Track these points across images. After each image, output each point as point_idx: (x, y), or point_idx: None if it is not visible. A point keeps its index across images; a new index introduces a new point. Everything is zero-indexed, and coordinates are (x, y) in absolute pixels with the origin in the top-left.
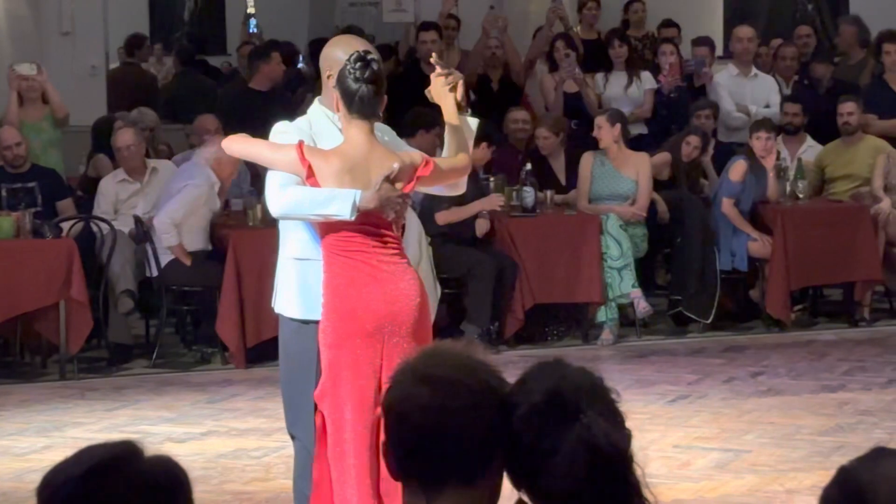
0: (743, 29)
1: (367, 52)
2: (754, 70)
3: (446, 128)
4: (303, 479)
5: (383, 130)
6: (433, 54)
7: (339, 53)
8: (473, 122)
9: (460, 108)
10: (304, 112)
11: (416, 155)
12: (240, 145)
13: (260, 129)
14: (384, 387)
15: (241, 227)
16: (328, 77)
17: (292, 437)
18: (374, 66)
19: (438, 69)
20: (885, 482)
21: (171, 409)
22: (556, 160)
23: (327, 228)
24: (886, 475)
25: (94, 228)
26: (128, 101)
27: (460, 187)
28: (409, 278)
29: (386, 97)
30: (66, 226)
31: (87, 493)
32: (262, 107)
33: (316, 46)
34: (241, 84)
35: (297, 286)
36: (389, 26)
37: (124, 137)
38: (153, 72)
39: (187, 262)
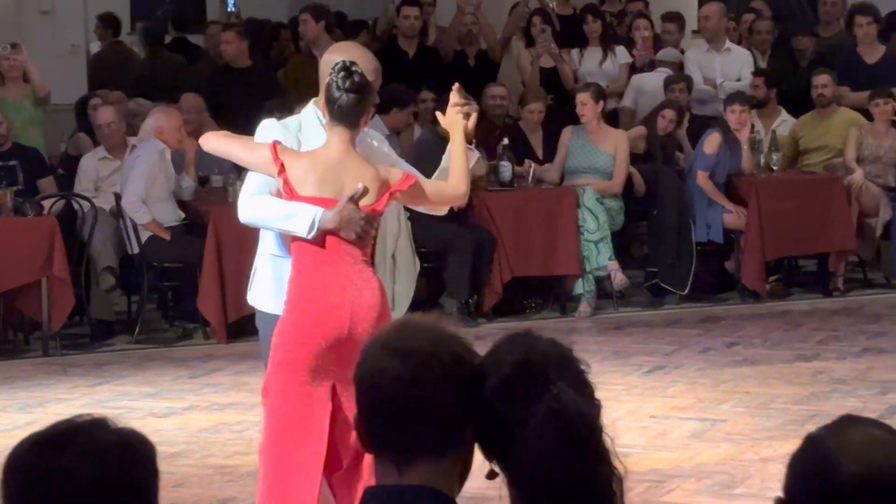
0: (708, 7)
1: (352, 63)
2: (727, 44)
3: (451, 155)
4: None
5: (375, 137)
6: (456, 84)
7: (337, 59)
8: (474, 156)
9: (468, 139)
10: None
11: (394, 171)
12: (215, 143)
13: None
14: (337, 388)
15: (222, 203)
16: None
17: None
18: (356, 77)
19: (457, 97)
20: (852, 449)
21: (153, 384)
22: (534, 135)
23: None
24: (853, 442)
25: (76, 206)
26: (112, 80)
27: (441, 210)
28: (371, 288)
29: (373, 107)
30: (47, 203)
31: (40, 459)
32: (240, 84)
33: (297, 25)
34: (221, 63)
35: (274, 282)
36: (368, 2)
37: (104, 115)
38: (136, 51)
39: (166, 236)
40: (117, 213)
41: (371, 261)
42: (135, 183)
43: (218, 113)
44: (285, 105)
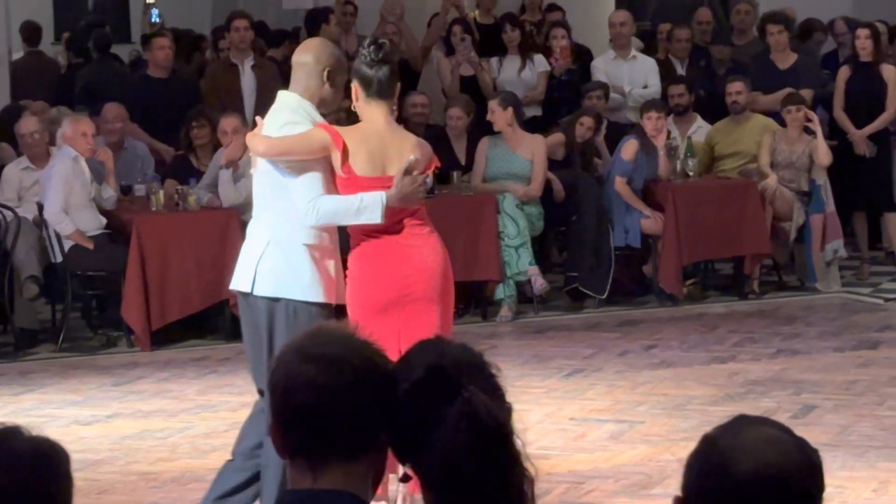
0: (617, 14)
1: (375, 38)
2: (633, 52)
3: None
4: None
5: None
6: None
7: (304, 57)
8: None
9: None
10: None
11: (427, 146)
12: (267, 145)
13: (163, 116)
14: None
15: (145, 212)
16: (326, 71)
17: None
18: (386, 48)
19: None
20: (746, 448)
21: (78, 392)
22: (459, 141)
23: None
24: (747, 441)
25: None
26: (32, 90)
27: None
28: (431, 246)
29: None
30: None
31: None
32: (162, 93)
33: (219, 35)
34: (143, 72)
35: (312, 270)
36: (289, 13)
37: (28, 125)
38: (60, 60)
39: (89, 245)
40: (40, 222)
41: (425, 218)
42: (53, 194)
43: (142, 122)
44: (203, 113)
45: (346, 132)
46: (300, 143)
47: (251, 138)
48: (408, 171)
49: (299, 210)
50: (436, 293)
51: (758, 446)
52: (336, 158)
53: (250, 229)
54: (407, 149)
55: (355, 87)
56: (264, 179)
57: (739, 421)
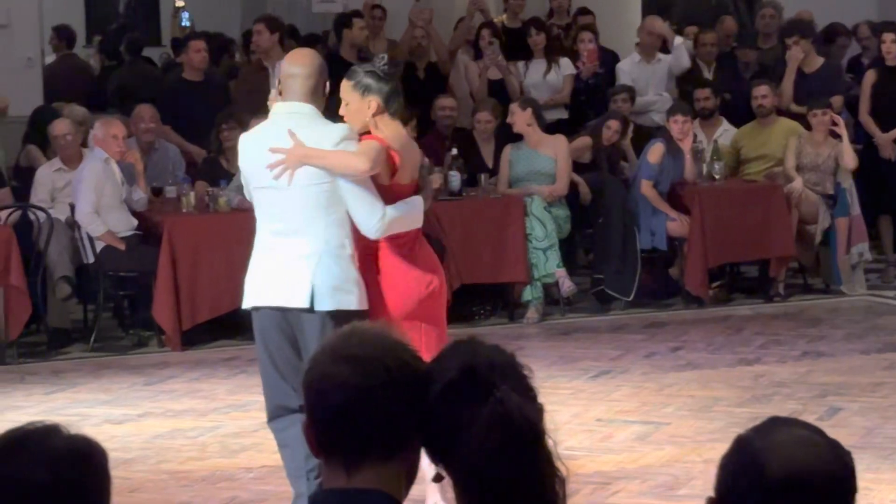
0: (651, 20)
1: (383, 55)
2: (659, 55)
3: None
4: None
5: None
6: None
7: (292, 67)
8: None
9: None
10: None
11: None
12: (369, 159)
13: (196, 118)
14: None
15: (175, 213)
16: (325, 81)
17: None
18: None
19: None
20: (779, 449)
21: (109, 391)
22: (487, 145)
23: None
24: (780, 442)
25: (32, 217)
26: (65, 93)
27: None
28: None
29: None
30: (3, 214)
31: None
32: (196, 95)
33: (248, 37)
34: (178, 75)
35: (359, 280)
36: (318, 16)
37: (61, 127)
38: (92, 63)
39: (120, 246)
40: (73, 223)
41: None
42: (84, 195)
43: (175, 124)
44: (234, 115)
45: (393, 143)
46: (379, 158)
47: (307, 151)
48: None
49: (369, 222)
50: (406, 315)
51: (791, 447)
52: (386, 169)
53: (283, 244)
54: (418, 155)
55: (376, 102)
56: (310, 192)
57: (772, 422)
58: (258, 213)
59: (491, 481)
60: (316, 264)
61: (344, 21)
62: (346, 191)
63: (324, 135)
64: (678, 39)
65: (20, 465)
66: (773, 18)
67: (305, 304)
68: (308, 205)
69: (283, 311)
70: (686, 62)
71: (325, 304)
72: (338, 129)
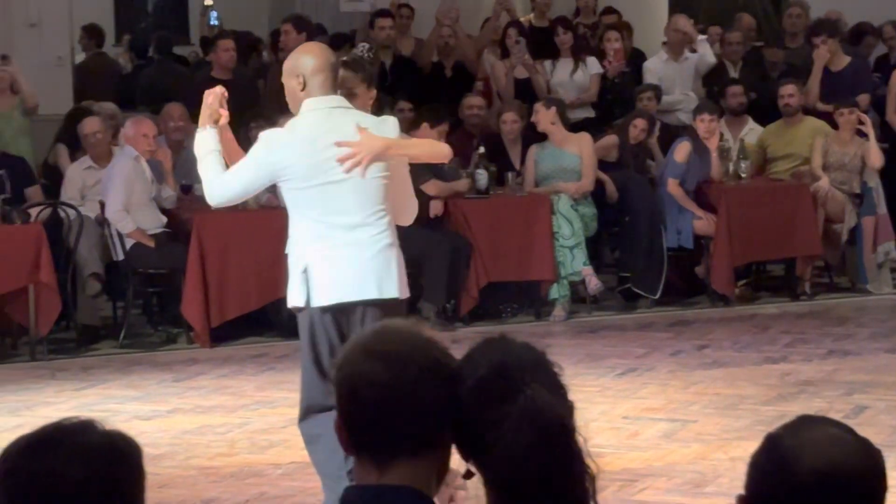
0: (678, 18)
1: (366, 45)
2: (686, 53)
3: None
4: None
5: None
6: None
7: (304, 59)
8: None
9: None
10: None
11: None
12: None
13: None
14: None
15: (204, 210)
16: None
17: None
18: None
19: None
20: (809, 447)
21: (138, 387)
22: (514, 147)
23: None
24: (810, 440)
25: (62, 214)
26: (95, 92)
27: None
28: None
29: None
30: (34, 211)
31: (29, 461)
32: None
33: (277, 37)
34: (206, 73)
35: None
36: (346, 16)
37: (91, 125)
38: (121, 62)
39: (150, 243)
40: (102, 220)
41: None
42: (114, 193)
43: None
44: (262, 114)
45: None
46: None
47: (388, 142)
48: None
49: (413, 212)
50: None
51: (821, 445)
52: None
53: (353, 238)
54: None
55: (374, 92)
56: (377, 185)
57: (803, 420)
58: (314, 210)
59: (521, 478)
60: (392, 255)
61: (371, 21)
62: (402, 181)
63: (384, 126)
64: (701, 37)
65: (56, 460)
66: (799, 18)
67: (395, 294)
68: (376, 197)
69: (354, 306)
70: (711, 59)
71: (405, 292)
72: (392, 120)
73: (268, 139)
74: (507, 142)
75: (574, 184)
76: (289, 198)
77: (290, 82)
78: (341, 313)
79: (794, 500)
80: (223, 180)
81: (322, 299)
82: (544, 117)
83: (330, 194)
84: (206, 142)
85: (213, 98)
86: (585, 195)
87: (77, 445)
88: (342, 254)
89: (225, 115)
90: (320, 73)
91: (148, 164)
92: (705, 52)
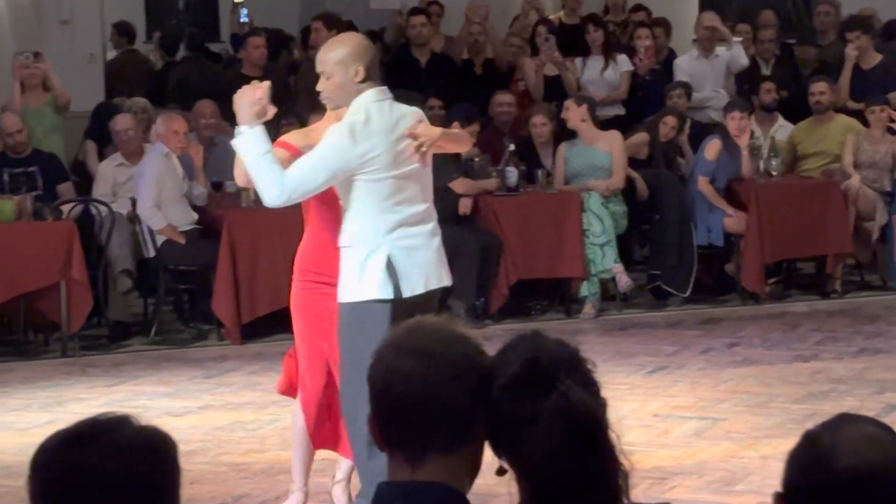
0: (706, 15)
1: None
2: (717, 51)
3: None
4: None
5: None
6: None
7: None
8: None
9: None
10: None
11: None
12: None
13: None
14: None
15: (235, 207)
16: None
17: None
18: None
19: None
20: (847, 445)
21: (169, 384)
22: (545, 149)
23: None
24: (849, 439)
25: (93, 211)
26: (127, 88)
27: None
28: None
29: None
30: (66, 208)
31: (65, 456)
32: None
33: (308, 34)
34: (236, 70)
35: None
36: (376, 13)
37: (123, 122)
38: (152, 59)
39: (181, 240)
40: (134, 217)
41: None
42: (145, 190)
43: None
44: (293, 111)
45: None
46: None
47: (437, 131)
48: None
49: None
50: None
51: (859, 443)
52: None
53: (429, 223)
54: None
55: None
56: (431, 173)
57: (841, 418)
58: (389, 201)
59: (554, 475)
60: (441, 243)
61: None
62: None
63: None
64: (736, 39)
65: (92, 455)
66: (828, 15)
67: (449, 282)
68: (430, 187)
69: (434, 294)
70: (744, 60)
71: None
72: (420, 112)
73: (349, 131)
74: (537, 143)
75: (604, 181)
76: (362, 189)
77: (342, 73)
78: (425, 302)
79: (831, 498)
80: (293, 177)
81: (412, 289)
82: (575, 114)
83: (403, 184)
84: (258, 141)
85: (262, 92)
86: (615, 192)
87: (113, 441)
88: (420, 243)
89: (273, 110)
90: (375, 62)
91: (179, 161)
92: (738, 54)
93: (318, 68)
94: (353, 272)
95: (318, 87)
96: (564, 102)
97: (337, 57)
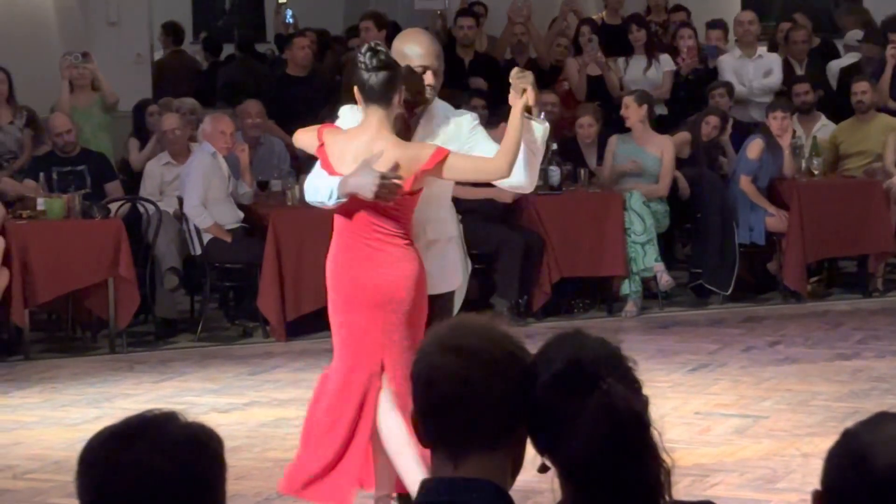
0: (744, 13)
1: (376, 44)
2: (759, 51)
3: (506, 129)
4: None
5: (462, 117)
6: (514, 69)
7: (405, 45)
8: (539, 128)
9: (529, 112)
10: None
11: (426, 149)
12: (298, 136)
13: (302, 114)
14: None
15: (281, 206)
16: None
17: None
18: (382, 56)
19: (513, 75)
20: (886, 444)
21: (215, 380)
22: (590, 150)
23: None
24: (887, 437)
25: (141, 209)
26: (174, 88)
27: (505, 195)
28: (399, 264)
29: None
30: (113, 207)
31: (113, 452)
32: (301, 91)
33: (353, 34)
34: (282, 71)
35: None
36: (419, 14)
37: (169, 121)
38: (199, 59)
39: (227, 238)
40: (180, 215)
41: (409, 239)
42: (192, 188)
43: (281, 119)
44: (337, 110)
45: (336, 135)
46: (305, 136)
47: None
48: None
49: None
50: (375, 306)
51: None
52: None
53: (434, 230)
54: (398, 159)
55: (356, 91)
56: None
57: (881, 417)
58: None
59: (596, 472)
60: None
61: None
62: None
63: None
64: (773, 56)
65: (139, 451)
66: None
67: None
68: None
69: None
70: (777, 81)
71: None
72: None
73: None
74: (582, 144)
75: (650, 185)
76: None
77: (441, 68)
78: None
79: (869, 496)
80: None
81: (452, 285)
82: (635, 113)
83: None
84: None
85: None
86: (660, 198)
87: (161, 437)
88: (445, 247)
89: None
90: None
91: (225, 161)
92: (775, 68)
93: (421, 62)
94: (460, 262)
95: (430, 82)
96: (624, 99)
97: (439, 51)
